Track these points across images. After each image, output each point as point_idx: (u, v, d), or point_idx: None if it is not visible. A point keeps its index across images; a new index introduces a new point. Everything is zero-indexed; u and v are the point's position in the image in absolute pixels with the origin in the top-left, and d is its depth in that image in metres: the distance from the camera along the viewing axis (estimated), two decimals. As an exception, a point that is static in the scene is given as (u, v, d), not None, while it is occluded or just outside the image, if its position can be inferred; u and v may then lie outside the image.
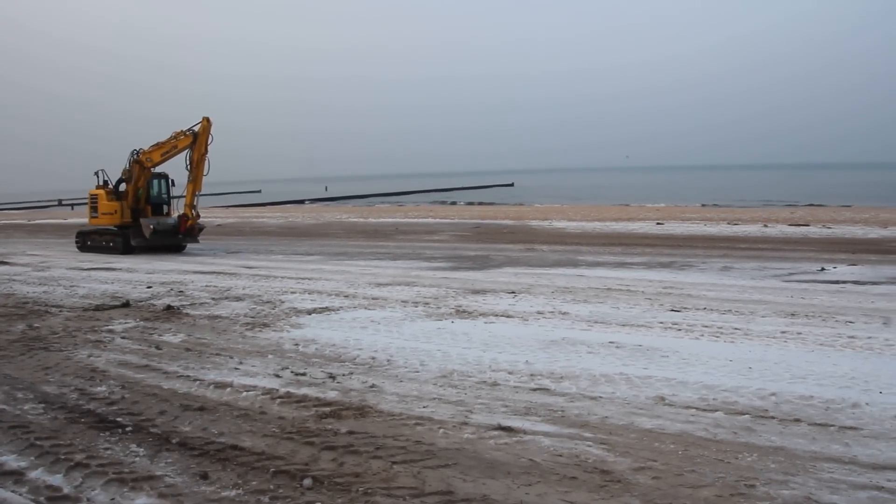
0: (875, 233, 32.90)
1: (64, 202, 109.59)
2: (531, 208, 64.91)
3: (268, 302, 16.77)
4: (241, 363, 11.28)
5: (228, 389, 9.88)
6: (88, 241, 32.43)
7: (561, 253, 27.40)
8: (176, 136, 30.18)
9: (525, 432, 8.02)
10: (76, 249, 32.46)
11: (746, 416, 8.50)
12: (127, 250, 30.38)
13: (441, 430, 8.11)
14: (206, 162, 30.22)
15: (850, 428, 8.06)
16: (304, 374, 10.56)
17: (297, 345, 12.45)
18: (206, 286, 19.59)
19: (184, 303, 16.83)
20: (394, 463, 7.20)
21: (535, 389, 9.67)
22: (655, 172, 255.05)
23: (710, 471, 6.94)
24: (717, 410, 8.72)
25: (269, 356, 11.70)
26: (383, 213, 60.17)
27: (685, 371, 10.36)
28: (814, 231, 34.30)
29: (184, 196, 30.81)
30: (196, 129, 29.92)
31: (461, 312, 15.08)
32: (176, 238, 31.07)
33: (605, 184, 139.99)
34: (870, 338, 12.24)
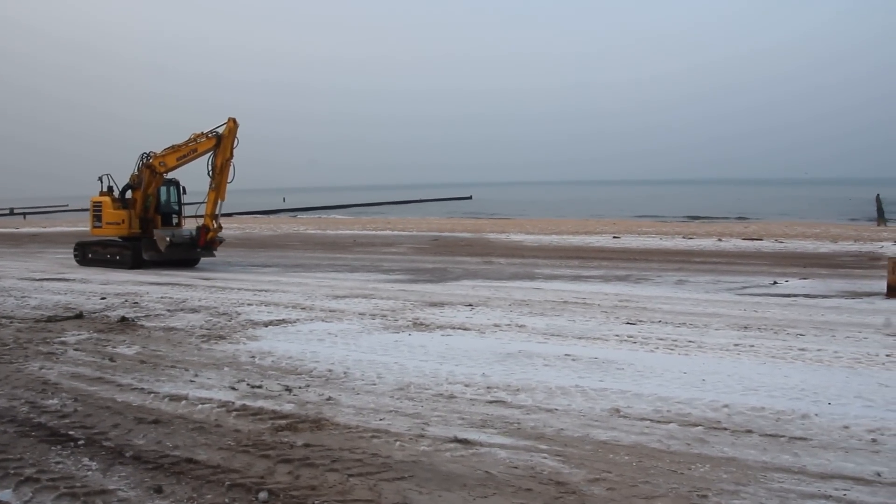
0: (826, 247, 33.51)
1: (16, 211, 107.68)
2: (489, 221, 65.13)
3: (224, 314, 16.65)
4: (196, 375, 11.18)
5: (183, 402, 9.79)
6: (89, 253, 29.59)
7: (518, 266, 27.54)
8: (195, 139, 27.46)
9: (481, 445, 8.05)
10: (23, 260, 30.86)
11: (699, 427, 8.62)
12: (136, 264, 27.73)
13: (397, 443, 8.12)
14: (232, 167, 27.29)
15: (800, 438, 8.22)
16: (260, 387, 10.50)
17: (253, 357, 12.38)
18: (162, 297, 19.39)
19: (138, 314, 16.64)
20: (350, 476, 7.19)
21: (491, 402, 9.72)
22: (654, 186, 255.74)
23: (664, 482, 7.03)
24: (670, 422, 8.83)
25: (225, 368, 11.61)
26: (341, 225, 59.97)
27: (640, 383, 10.47)
28: (766, 245, 34.84)
29: (203, 203, 27.80)
30: (220, 130, 27.09)
31: (418, 325, 15.10)
32: (193, 251, 28.43)
33: (590, 198, 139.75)
34: (819, 350, 12.48)
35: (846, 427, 8.55)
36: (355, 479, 7.12)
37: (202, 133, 27.40)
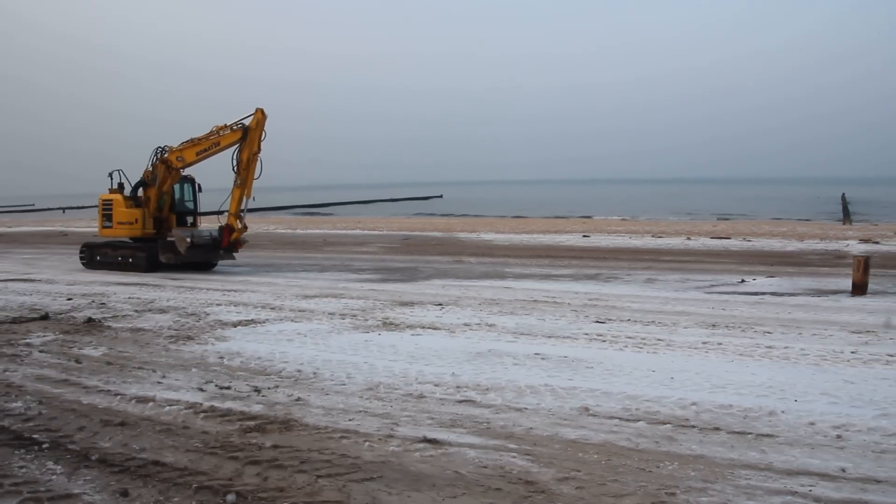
0: (792, 246, 33.92)
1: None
2: (460, 220, 65.18)
3: (192, 314, 16.51)
4: (164, 377, 11.08)
5: (151, 404, 9.69)
6: (98, 255, 27.70)
7: (489, 265, 27.59)
8: (218, 132, 25.48)
9: (450, 444, 8.04)
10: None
11: (668, 425, 8.67)
12: (151, 267, 25.94)
13: (367, 443, 8.09)
14: (259, 163, 25.34)
15: (767, 435, 8.29)
16: (228, 388, 10.42)
17: (221, 358, 12.28)
18: (129, 298, 19.20)
19: (105, 315, 16.46)
20: (319, 477, 7.15)
21: (460, 401, 9.71)
22: (649, 185, 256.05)
23: (633, 480, 7.06)
24: (639, 420, 8.87)
25: (193, 369, 11.52)
26: (311, 225, 59.74)
27: (609, 382, 10.51)
28: (735, 244, 35.18)
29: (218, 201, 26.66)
30: (247, 122, 25.16)
31: (388, 324, 15.06)
32: (214, 253, 26.63)
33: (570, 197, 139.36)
34: (786, 348, 12.61)
35: (812, 424, 8.64)
36: (324, 480, 7.09)
37: (225, 125, 25.54)
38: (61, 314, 16.65)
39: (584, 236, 40.62)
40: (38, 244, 42.18)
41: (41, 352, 12.91)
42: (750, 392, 9.93)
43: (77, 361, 12.16)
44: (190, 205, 27.83)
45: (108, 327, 15.11)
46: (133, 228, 26.88)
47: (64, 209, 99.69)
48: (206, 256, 26.74)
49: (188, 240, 25.70)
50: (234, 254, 27.16)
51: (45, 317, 16.24)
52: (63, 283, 22.64)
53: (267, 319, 15.81)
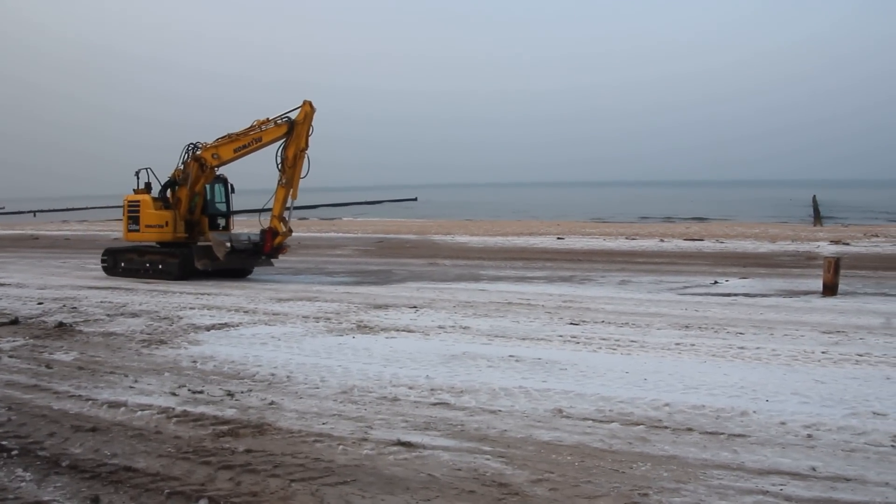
0: (765, 247, 34.23)
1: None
2: (434, 222, 65.18)
3: (165, 318, 16.39)
4: (136, 381, 10.99)
5: (122, 409, 9.61)
6: (122, 261, 25.57)
7: (463, 267, 27.62)
8: (259, 127, 23.43)
9: (424, 447, 8.04)
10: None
11: (641, 426, 8.72)
12: (185, 275, 23.87)
13: (340, 447, 8.07)
14: (306, 160, 23.28)
15: (739, 435, 8.35)
16: (201, 392, 10.36)
17: (194, 362, 12.21)
18: (101, 302, 19.00)
19: (77, 319, 16.29)
20: (292, 481, 7.12)
21: (435, 404, 9.71)
22: (643, 187, 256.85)
23: (606, 481, 7.09)
24: (613, 421, 8.91)
25: (166, 374, 11.43)
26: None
27: (583, 383, 10.55)
28: (707, 245, 35.45)
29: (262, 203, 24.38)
30: (293, 116, 23.08)
31: (362, 327, 15.04)
32: (255, 259, 24.59)
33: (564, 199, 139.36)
34: (758, 348, 12.71)
35: (783, 423, 8.72)
36: (297, 484, 7.06)
37: (268, 119, 23.46)
38: (32, 318, 16.47)
39: (559, 238, 40.76)
40: (7, 248, 41.68)
41: (11, 357, 12.77)
42: (722, 392, 10.01)
43: (48, 366, 12.04)
44: (222, 206, 25.70)
45: (80, 332, 14.97)
46: (163, 232, 24.66)
47: (35, 212, 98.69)
48: (246, 262, 24.93)
49: (228, 244, 23.70)
50: (274, 259, 25.26)
51: (14, 321, 16.05)
52: (34, 287, 22.35)
53: (240, 323, 15.73)
